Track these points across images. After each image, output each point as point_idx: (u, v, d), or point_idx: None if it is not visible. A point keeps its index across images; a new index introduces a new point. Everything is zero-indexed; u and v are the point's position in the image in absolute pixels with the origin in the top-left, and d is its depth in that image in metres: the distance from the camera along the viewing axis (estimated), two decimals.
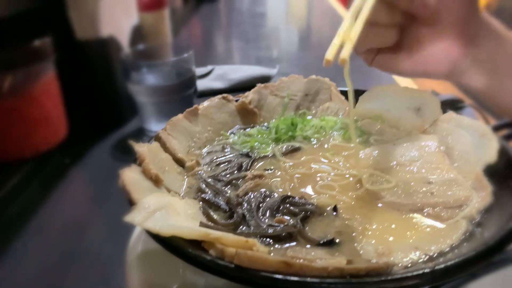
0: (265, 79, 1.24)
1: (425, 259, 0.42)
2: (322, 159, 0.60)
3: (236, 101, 0.72)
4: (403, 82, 1.28)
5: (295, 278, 0.36)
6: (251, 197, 0.52)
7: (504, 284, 0.43)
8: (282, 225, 0.47)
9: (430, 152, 0.58)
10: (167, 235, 0.39)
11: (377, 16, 0.58)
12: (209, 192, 0.54)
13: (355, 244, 0.45)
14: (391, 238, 0.45)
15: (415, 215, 0.49)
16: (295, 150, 0.63)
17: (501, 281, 0.42)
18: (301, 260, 0.40)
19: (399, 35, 0.65)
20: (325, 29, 2.16)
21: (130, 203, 0.44)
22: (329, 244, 0.45)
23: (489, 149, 0.53)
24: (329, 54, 0.48)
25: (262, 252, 0.39)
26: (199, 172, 0.59)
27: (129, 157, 0.54)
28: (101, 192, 0.83)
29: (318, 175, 0.56)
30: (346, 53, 0.49)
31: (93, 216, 0.78)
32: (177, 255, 0.39)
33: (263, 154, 0.62)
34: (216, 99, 0.71)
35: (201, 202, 0.52)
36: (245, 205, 0.51)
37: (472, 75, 0.66)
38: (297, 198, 0.51)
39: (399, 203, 0.50)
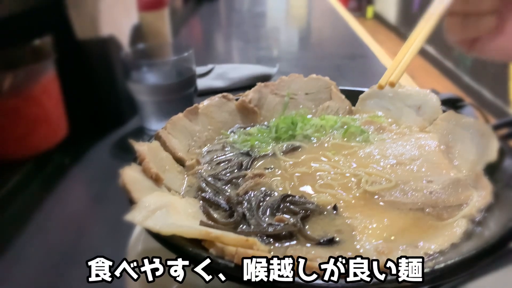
0: (265, 78, 1.24)
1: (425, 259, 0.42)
2: (322, 158, 0.60)
3: (236, 100, 0.72)
4: (403, 81, 1.28)
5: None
6: (251, 196, 0.52)
7: (504, 284, 0.43)
8: (282, 224, 0.47)
9: (430, 151, 0.58)
10: (167, 234, 0.39)
11: (479, 4, 0.56)
12: (209, 191, 0.54)
13: (355, 243, 0.45)
14: (391, 237, 0.45)
15: (415, 214, 0.49)
16: (295, 149, 0.63)
17: (501, 281, 0.42)
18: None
19: (498, 20, 0.62)
20: (325, 29, 2.16)
21: (130, 202, 0.44)
22: (329, 242, 0.45)
23: (489, 148, 0.53)
24: (383, 81, 0.51)
25: (262, 251, 0.39)
26: (199, 171, 0.59)
27: (129, 156, 0.54)
28: (101, 191, 0.83)
29: (318, 174, 0.56)
30: (396, 78, 0.51)
31: (93, 216, 0.78)
32: (178, 254, 0.39)
33: (263, 153, 0.62)
34: (216, 98, 0.71)
35: (201, 201, 0.52)
36: (245, 204, 0.51)
37: None
38: (297, 197, 0.51)
39: (399, 202, 0.50)
